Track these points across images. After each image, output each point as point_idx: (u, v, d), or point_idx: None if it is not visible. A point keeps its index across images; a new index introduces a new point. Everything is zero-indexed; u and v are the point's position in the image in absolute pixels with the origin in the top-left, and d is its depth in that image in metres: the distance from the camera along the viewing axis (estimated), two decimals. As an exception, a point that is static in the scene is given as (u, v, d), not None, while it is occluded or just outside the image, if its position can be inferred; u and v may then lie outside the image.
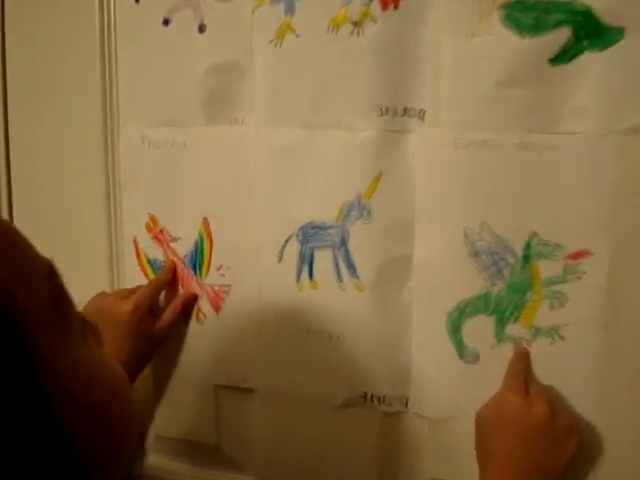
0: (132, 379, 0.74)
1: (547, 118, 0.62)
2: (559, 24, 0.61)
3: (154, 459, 0.85)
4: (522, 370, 0.64)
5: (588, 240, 0.62)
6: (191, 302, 0.78)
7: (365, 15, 0.66)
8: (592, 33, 0.60)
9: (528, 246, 0.64)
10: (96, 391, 0.36)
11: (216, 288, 0.77)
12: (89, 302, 0.75)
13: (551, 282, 0.63)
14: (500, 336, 0.65)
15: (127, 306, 0.74)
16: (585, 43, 0.61)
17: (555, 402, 0.62)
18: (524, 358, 0.64)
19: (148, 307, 0.76)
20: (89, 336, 0.38)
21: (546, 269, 0.63)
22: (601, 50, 0.60)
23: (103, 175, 0.80)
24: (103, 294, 0.77)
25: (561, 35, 0.61)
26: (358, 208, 0.68)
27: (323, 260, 0.71)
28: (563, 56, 0.61)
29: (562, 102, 0.62)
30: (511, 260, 0.64)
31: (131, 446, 0.42)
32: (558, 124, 0.62)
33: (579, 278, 0.62)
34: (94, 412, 0.35)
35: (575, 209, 0.62)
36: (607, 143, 0.60)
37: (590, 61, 0.61)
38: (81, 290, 0.75)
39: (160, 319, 0.77)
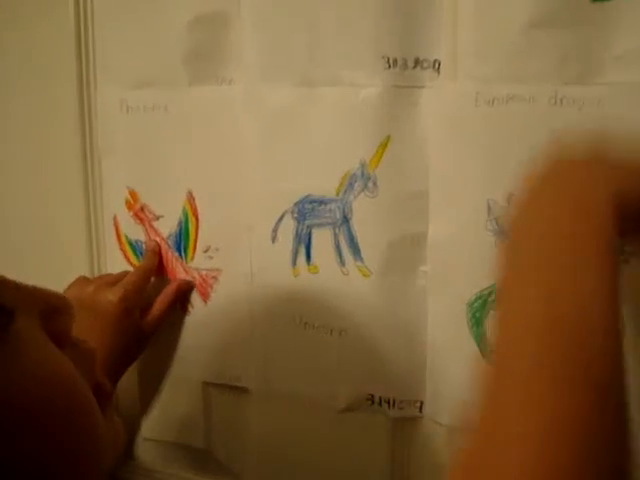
0: (117, 378, 0.65)
1: (588, 66, 0.51)
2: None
3: (141, 462, 0.76)
4: None
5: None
6: (184, 291, 0.69)
7: (368, -49, 0.55)
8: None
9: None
10: (31, 403, 0.29)
11: (204, 273, 0.67)
12: (68, 288, 0.67)
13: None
14: (530, 330, 0.54)
15: (112, 296, 0.65)
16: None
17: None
18: None
19: (136, 298, 0.67)
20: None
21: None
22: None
23: (79, 146, 0.70)
24: (84, 280, 0.69)
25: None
26: (362, 179, 0.58)
27: (322, 240, 0.61)
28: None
29: (606, 46, 0.51)
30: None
31: (108, 459, 0.35)
32: (601, 73, 0.51)
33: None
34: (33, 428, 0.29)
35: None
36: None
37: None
38: (57, 275, 0.67)
39: (150, 311, 0.68)
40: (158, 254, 0.69)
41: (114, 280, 0.67)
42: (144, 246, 0.70)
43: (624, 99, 0.50)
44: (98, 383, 0.36)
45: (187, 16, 0.63)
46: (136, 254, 0.70)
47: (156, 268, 0.69)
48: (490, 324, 0.56)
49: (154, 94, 0.66)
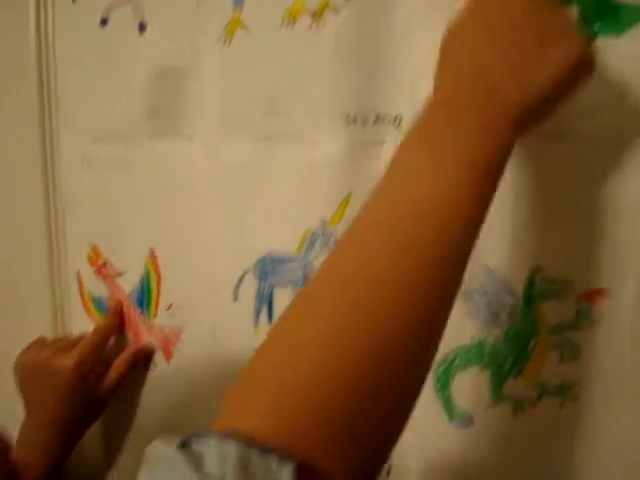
0: (74, 442, 0.65)
1: (556, 120, 0.50)
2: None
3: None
4: None
5: (606, 276, 0.49)
6: (143, 355, 0.68)
7: (326, 4, 0.55)
8: (605, 14, 0.48)
9: (530, 284, 0.51)
10: None
11: (166, 331, 0.66)
12: (23, 353, 0.65)
13: (560, 329, 0.50)
14: (497, 394, 0.53)
15: (68, 361, 0.63)
16: (597, 26, 0.48)
17: None
18: None
19: (92, 362, 0.65)
20: None
21: (553, 312, 0.50)
22: (618, 34, 0.48)
23: (42, 200, 0.70)
24: (41, 342, 0.67)
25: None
26: (323, 237, 0.57)
27: (284, 299, 0.59)
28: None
29: (575, 101, 0.49)
30: (510, 301, 0.52)
31: None
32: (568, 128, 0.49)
33: (595, 324, 0.49)
34: None
35: (591, 237, 0.49)
36: (622, 149, 0.47)
37: (605, 48, 0.48)
38: (19, 335, 0.66)
39: (107, 375, 0.66)
40: (119, 314, 0.68)
41: (72, 344, 0.66)
42: (106, 303, 0.68)
43: (583, 155, 0.49)
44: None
45: (147, 69, 0.62)
46: (99, 310, 0.69)
47: (117, 327, 0.68)
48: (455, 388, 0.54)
49: (115, 149, 0.65)
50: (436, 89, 0.40)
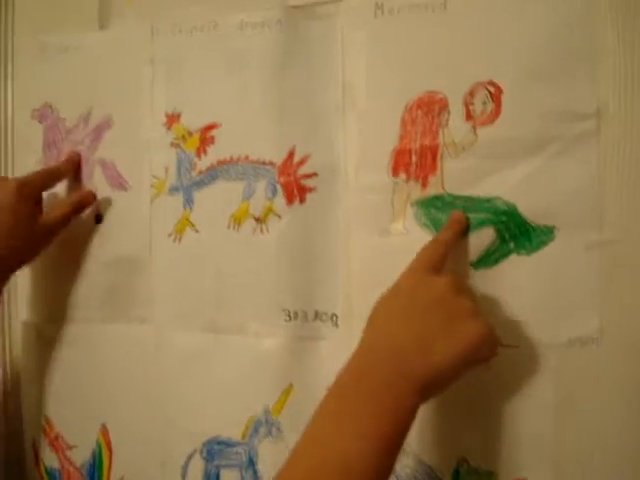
0: (2, 281, 0.63)
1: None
2: (481, 224, 0.54)
3: None
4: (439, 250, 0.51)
5: (526, 467, 0.53)
6: (88, 200, 0.67)
7: (269, 210, 0.60)
8: (518, 234, 0.54)
9: (456, 475, 0.55)
10: None
11: (117, 507, 0.67)
12: None
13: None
14: None
15: (12, 180, 0.62)
16: (511, 245, 0.54)
17: (462, 284, 0.50)
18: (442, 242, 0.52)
19: (38, 187, 0.64)
20: None
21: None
22: (529, 253, 0.53)
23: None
24: None
25: (484, 236, 0.54)
26: (266, 425, 0.60)
27: (231, 480, 0.62)
28: (487, 259, 0.55)
29: (489, 312, 0.54)
30: (438, 491, 0.55)
31: None
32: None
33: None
34: None
35: (512, 431, 0.54)
36: (544, 358, 0.53)
37: (518, 265, 0.54)
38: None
39: (51, 212, 0.65)
40: (75, 163, 0.68)
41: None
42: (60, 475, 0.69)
43: (511, 361, 0.54)
44: None
45: (102, 257, 0.66)
46: (52, 483, 0.70)
47: (69, 174, 0.68)
48: None
49: (69, 328, 0.68)
50: (358, 354, 0.45)
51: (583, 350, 0.52)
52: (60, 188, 0.68)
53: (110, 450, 0.67)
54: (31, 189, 0.62)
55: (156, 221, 0.64)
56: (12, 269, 0.63)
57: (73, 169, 0.68)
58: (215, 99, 0.62)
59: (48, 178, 0.66)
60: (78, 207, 0.66)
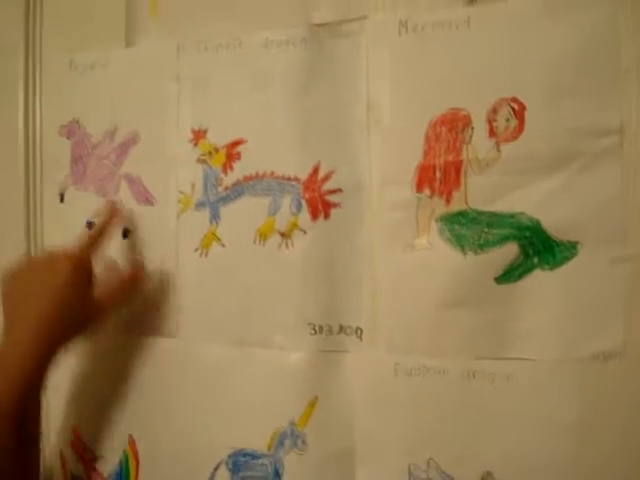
0: (54, 356, 0.59)
1: (496, 343, 0.56)
2: (505, 239, 0.55)
3: None
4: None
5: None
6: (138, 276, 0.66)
7: (294, 226, 0.61)
8: (542, 249, 0.54)
9: (481, 488, 0.55)
10: None
11: (145, 515, 0.68)
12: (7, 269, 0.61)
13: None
14: None
15: (63, 253, 0.59)
16: (535, 260, 0.55)
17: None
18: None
19: (90, 255, 0.61)
20: None
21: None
22: (553, 268, 0.54)
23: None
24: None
25: (508, 251, 0.55)
26: (291, 437, 0.61)
27: (257, 493, 0.63)
28: (510, 274, 0.55)
29: (512, 325, 0.55)
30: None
31: None
32: (509, 349, 0.55)
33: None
34: None
35: (534, 447, 0.54)
36: (566, 371, 0.53)
37: (541, 280, 0.54)
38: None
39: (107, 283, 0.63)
40: (116, 212, 0.66)
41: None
42: (86, 484, 0.70)
43: (530, 374, 0.54)
44: None
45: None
46: (79, 491, 0.71)
47: (116, 225, 0.66)
48: None
49: (97, 340, 0.69)
50: None
51: (606, 364, 0.53)
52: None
53: (137, 460, 0.68)
54: (83, 260, 0.60)
55: (183, 236, 0.65)
56: (62, 346, 0.60)
57: (116, 218, 0.66)
58: (241, 116, 0.63)
59: (99, 241, 0.63)
60: (131, 287, 0.66)
